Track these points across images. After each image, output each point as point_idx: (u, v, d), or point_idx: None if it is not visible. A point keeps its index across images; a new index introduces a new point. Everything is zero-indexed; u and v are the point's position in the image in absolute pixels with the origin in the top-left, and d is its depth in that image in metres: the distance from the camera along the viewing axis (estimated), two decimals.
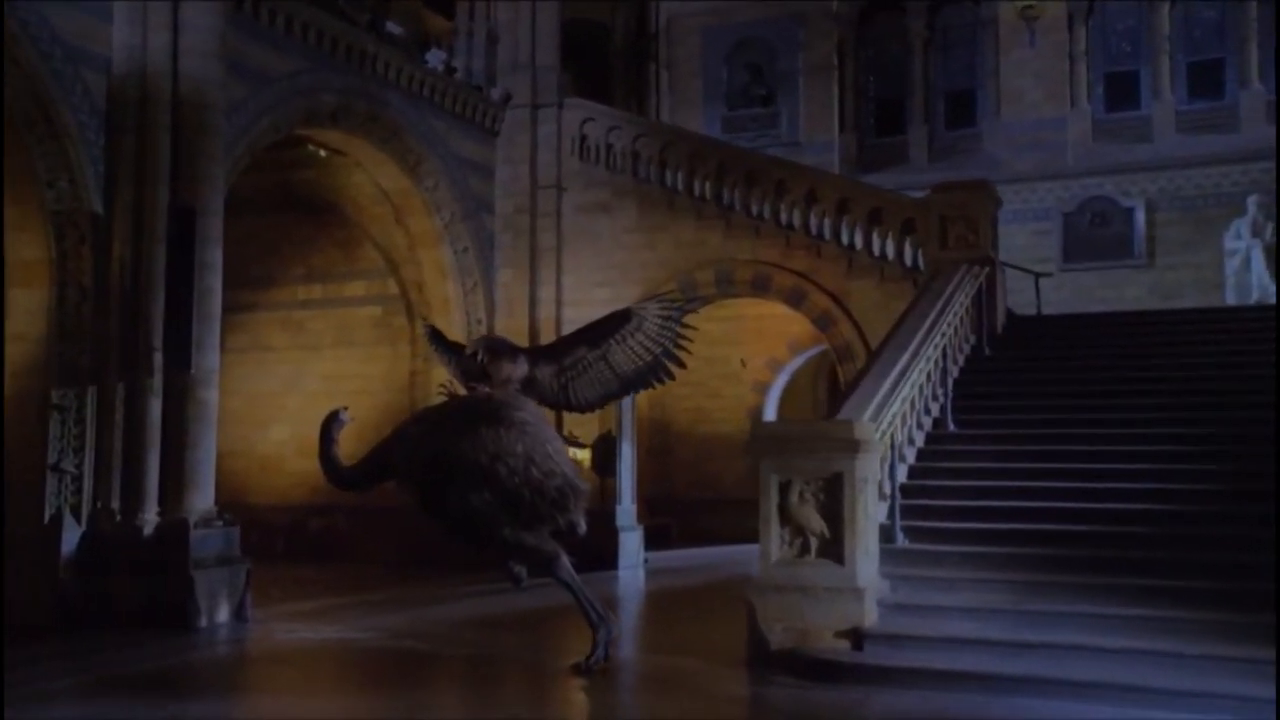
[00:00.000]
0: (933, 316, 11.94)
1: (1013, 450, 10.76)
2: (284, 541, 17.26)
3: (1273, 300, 18.58)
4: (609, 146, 17.22)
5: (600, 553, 14.68)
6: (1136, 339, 13.91)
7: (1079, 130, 21.52)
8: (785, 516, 8.61)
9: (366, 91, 14.84)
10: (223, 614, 10.88)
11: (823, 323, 15.89)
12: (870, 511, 8.71)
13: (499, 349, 9.16)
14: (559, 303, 17.15)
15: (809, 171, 16.89)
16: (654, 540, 17.97)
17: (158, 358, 10.98)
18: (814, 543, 8.54)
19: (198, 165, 11.38)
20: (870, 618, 8.42)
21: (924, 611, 8.57)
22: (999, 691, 7.49)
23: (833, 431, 8.64)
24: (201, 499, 11.12)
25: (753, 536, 20.91)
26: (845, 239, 15.84)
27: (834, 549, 8.48)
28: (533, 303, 17.15)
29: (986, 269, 14.07)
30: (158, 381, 11.00)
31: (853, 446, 8.47)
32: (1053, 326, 15.28)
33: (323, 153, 16.22)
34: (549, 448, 8.22)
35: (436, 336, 10.07)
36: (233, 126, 12.34)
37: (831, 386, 27.29)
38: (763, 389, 21.95)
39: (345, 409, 8.87)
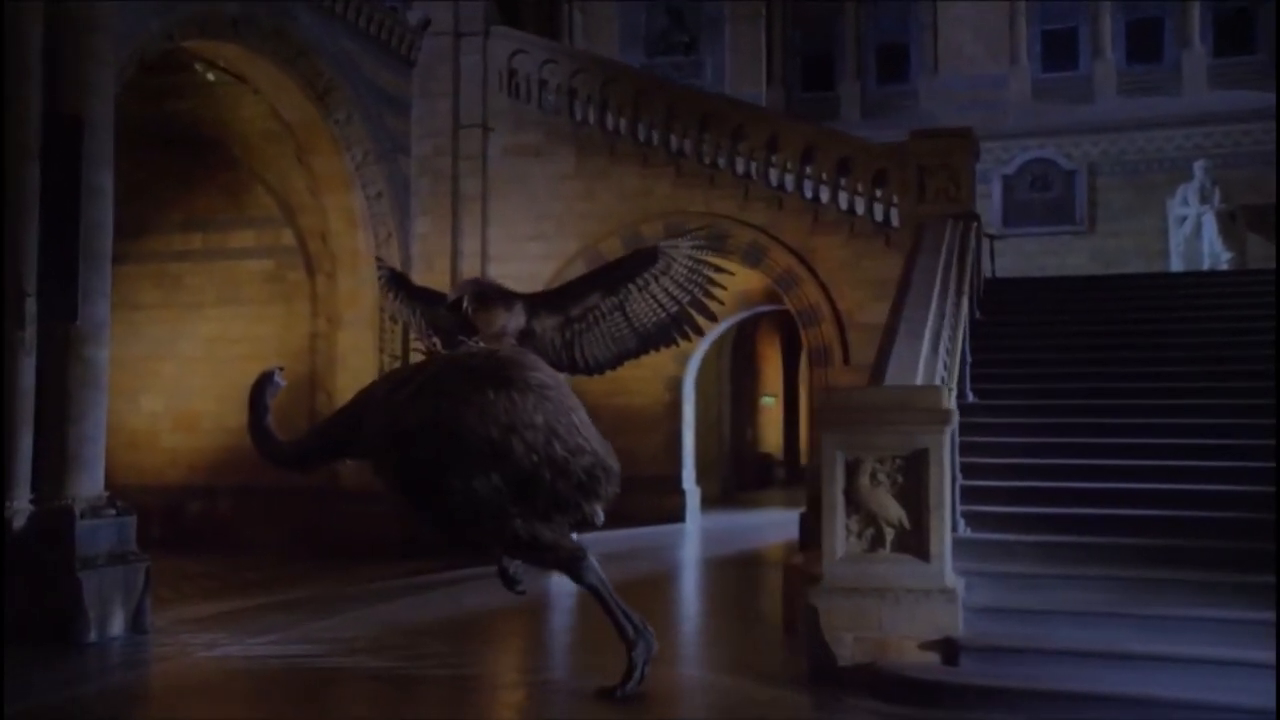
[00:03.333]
0: (940, 273, 10.58)
1: (1051, 424, 9.49)
2: (159, 528, 14.94)
3: (1224, 268, 17.92)
4: (542, 83, 15.31)
5: None
6: (1133, 302, 12.85)
7: (1019, 89, 20.57)
8: (853, 503, 7.07)
9: (271, 0, 12.62)
10: (117, 625, 8.72)
11: (785, 283, 14.38)
12: (946, 496, 7.22)
13: (490, 295, 7.40)
14: (484, 257, 15.20)
15: (771, 116, 15.41)
16: None
17: (31, 305, 8.70)
18: (889, 534, 7.05)
19: (83, 68, 9.09)
20: (960, 624, 6.95)
21: (1019, 616, 7.14)
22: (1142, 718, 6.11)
23: (916, 400, 7.11)
24: (89, 482, 8.88)
25: (670, 517, 19.89)
26: (809, 191, 14.36)
27: (915, 541, 7.00)
28: (455, 256, 15.14)
29: (974, 224, 12.83)
30: (31, 335, 8.71)
31: (941, 418, 7.00)
32: (1035, 289, 14.20)
33: (211, 76, 13.87)
34: (574, 417, 6.54)
35: (397, 280, 8.16)
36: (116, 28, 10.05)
37: (735, 356, 26.08)
38: (683, 359, 20.38)
39: (280, 368, 7.18)
